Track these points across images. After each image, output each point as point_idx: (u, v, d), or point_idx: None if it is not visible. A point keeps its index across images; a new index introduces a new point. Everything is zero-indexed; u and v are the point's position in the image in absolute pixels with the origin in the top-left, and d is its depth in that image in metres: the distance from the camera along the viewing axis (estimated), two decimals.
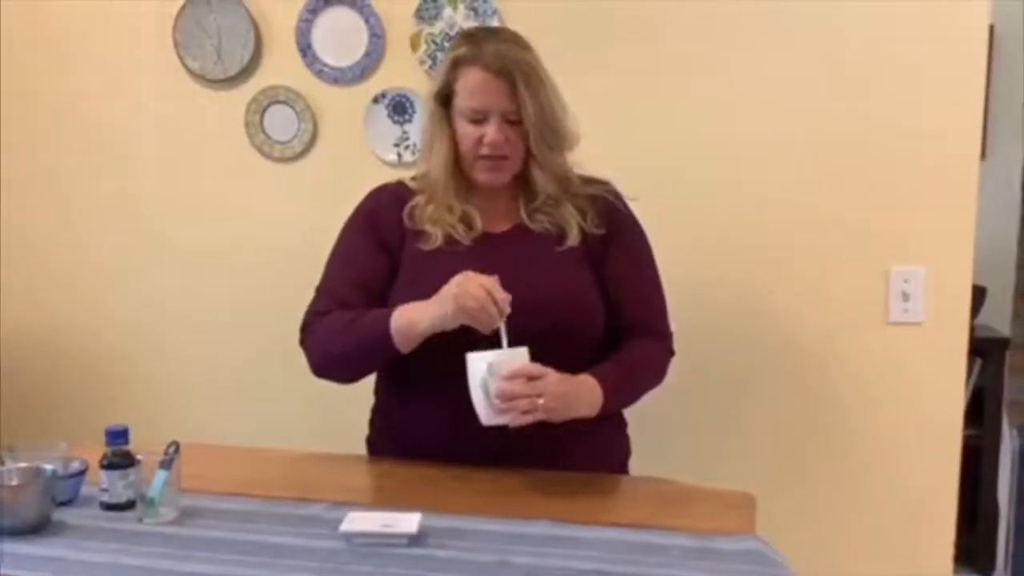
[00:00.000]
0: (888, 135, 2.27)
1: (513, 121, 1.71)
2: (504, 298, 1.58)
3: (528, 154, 1.75)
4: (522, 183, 1.79)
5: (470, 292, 1.57)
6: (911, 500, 2.34)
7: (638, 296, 1.82)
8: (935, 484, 2.33)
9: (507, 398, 1.56)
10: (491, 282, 1.59)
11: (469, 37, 1.76)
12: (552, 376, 1.58)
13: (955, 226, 2.26)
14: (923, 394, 2.31)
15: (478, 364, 1.59)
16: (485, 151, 1.72)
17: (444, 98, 1.74)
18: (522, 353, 1.59)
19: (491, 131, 1.70)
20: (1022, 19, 3.37)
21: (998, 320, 3.39)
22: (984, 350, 3.19)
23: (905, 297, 2.28)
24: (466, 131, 1.72)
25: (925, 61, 2.24)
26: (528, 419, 1.56)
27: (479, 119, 1.71)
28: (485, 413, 1.59)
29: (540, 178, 1.76)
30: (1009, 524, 2.97)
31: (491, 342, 1.60)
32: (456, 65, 1.72)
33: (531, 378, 1.57)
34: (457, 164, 1.76)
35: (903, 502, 2.35)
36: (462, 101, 1.71)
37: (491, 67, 1.68)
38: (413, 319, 1.64)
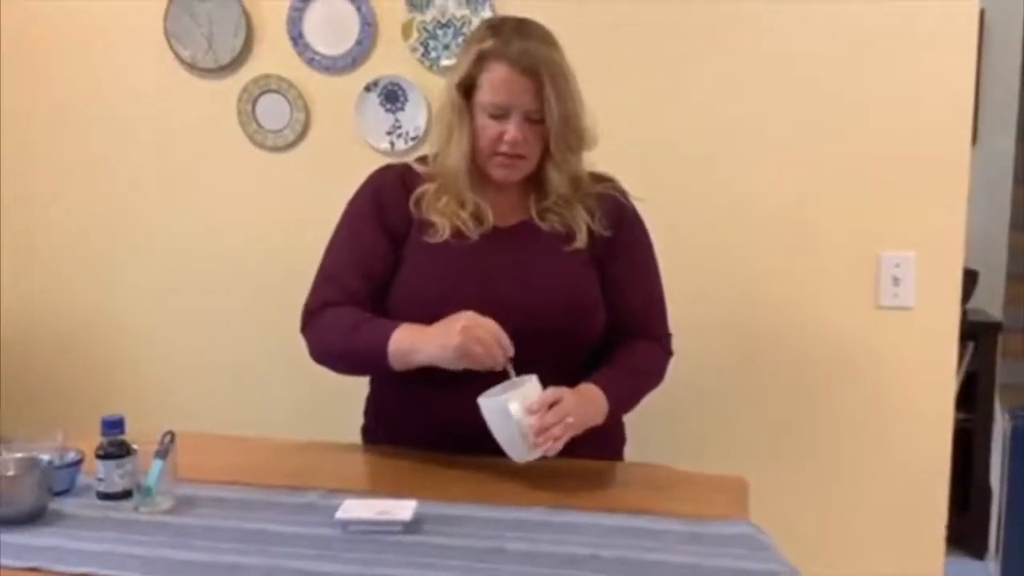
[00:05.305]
0: (879, 119, 2.27)
1: (534, 120, 1.68)
2: (509, 342, 1.58)
3: (545, 153, 1.73)
4: (535, 179, 1.76)
5: (477, 337, 1.56)
6: (902, 484, 2.35)
7: (641, 298, 1.82)
8: (926, 468, 2.33)
9: (542, 431, 1.55)
10: (496, 326, 1.58)
11: (495, 29, 1.70)
12: (567, 395, 1.59)
13: (946, 211, 2.26)
14: (913, 379, 2.32)
15: (502, 409, 1.55)
16: (504, 148, 1.69)
17: (466, 89, 1.70)
18: (535, 383, 1.58)
19: (512, 129, 1.67)
20: (1012, 4, 3.37)
21: (990, 304, 3.40)
22: (976, 334, 3.21)
23: (895, 282, 2.29)
24: (486, 125, 1.69)
25: (916, 45, 2.23)
26: (560, 444, 1.56)
27: (500, 115, 1.68)
28: (520, 452, 1.58)
29: (555, 178, 1.74)
30: (1001, 507, 2.99)
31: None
32: (482, 58, 1.67)
33: (552, 404, 1.56)
34: (473, 157, 1.73)
35: (894, 486, 2.36)
36: (485, 96, 1.68)
37: (518, 64, 1.65)
38: (413, 348, 1.63)
